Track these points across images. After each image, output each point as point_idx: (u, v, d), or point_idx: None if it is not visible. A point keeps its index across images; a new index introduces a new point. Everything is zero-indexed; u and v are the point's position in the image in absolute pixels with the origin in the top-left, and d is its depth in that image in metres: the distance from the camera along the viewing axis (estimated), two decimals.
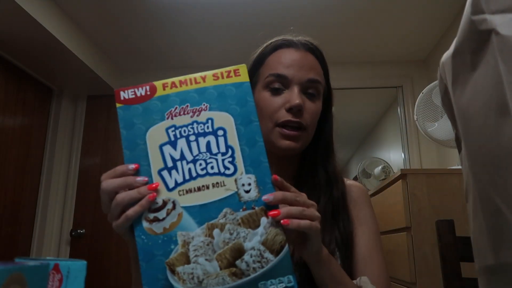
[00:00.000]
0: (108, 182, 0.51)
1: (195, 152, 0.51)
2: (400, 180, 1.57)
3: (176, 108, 0.52)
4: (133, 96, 0.58)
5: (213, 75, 0.53)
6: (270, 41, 0.82)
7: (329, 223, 0.73)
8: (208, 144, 0.51)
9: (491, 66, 0.33)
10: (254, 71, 0.79)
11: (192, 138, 0.51)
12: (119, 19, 2.48)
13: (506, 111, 0.31)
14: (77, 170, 3.03)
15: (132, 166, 0.51)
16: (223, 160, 0.50)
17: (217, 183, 0.50)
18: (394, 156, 3.29)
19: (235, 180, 0.50)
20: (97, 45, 2.78)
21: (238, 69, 0.52)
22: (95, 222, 2.91)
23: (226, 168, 0.50)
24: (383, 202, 1.83)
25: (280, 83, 0.74)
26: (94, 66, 2.74)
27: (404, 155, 2.88)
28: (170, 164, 0.51)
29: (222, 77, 0.52)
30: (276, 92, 0.74)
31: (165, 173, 0.51)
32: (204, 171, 0.50)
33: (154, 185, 0.50)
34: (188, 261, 0.47)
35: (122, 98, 0.59)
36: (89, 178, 3.00)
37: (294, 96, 0.72)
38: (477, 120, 0.37)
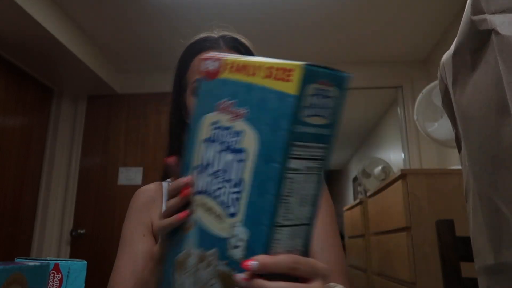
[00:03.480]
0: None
1: (216, 166, 0.42)
2: (400, 180, 1.57)
3: (225, 101, 0.42)
4: (206, 68, 0.47)
5: (266, 69, 0.38)
6: (191, 42, 0.80)
7: None
8: (228, 164, 0.40)
9: (491, 66, 0.33)
10: (181, 76, 0.79)
11: (222, 147, 0.42)
12: (119, 19, 2.48)
13: (506, 111, 0.31)
14: (77, 170, 3.03)
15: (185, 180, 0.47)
16: (230, 192, 0.40)
17: (219, 215, 0.40)
18: (394, 156, 3.29)
19: (231, 225, 0.39)
20: (97, 45, 2.78)
21: (292, 70, 0.35)
22: (95, 222, 2.91)
23: (230, 204, 0.40)
24: (383, 202, 1.83)
25: None
26: (94, 66, 2.74)
27: (404, 155, 2.88)
28: (203, 165, 0.44)
29: (272, 76, 0.37)
30: None
31: (196, 173, 0.45)
32: (217, 193, 0.41)
33: (185, 181, 0.46)
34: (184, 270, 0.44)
35: (201, 69, 0.49)
36: (89, 178, 3.01)
37: None
38: (477, 120, 0.37)
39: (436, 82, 1.60)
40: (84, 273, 0.48)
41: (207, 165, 0.43)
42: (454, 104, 0.44)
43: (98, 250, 2.83)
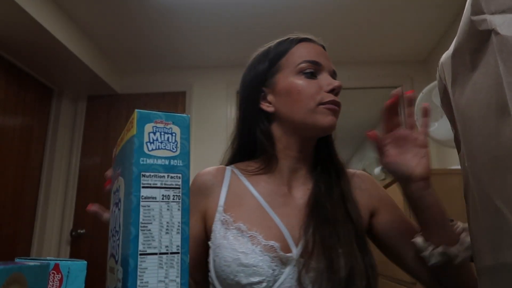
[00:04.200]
0: None
1: (112, 225, 0.45)
2: None
3: (116, 170, 0.46)
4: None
5: (126, 127, 0.43)
6: (285, 37, 0.84)
7: (342, 213, 0.74)
8: (115, 219, 0.43)
9: (491, 66, 0.33)
10: (273, 62, 0.81)
11: (113, 208, 0.45)
12: (119, 19, 2.48)
13: (506, 111, 0.31)
14: (77, 170, 3.03)
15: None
16: (115, 241, 0.41)
17: (113, 268, 0.42)
18: None
19: (116, 271, 0.40)
20: (97, 45, 2.78)
21: (133, 118, 0.41)
22: (95, 222, 2.91)
23: (115, 253, 0.41)
24: None
25: (314, 69, 0.77)
26: (94, 66, 2.74)
27: None
28: (111, 231, 0.46)
29: (127, 130, 0.43)
30: (311, 75, 0.77)
31: (109, 241, 0.47)
32: (114, 250, 0.42)
33: None
34: None
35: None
36: (89, 178, 3.01)
37: (331, 79, 0.77)
38: (476, 120, 0.37)
39: (436, 82, 1.60)
40: (84, 273, 0.48)
41: (111, 230, 0.45)
42: (453, 104, 0.44)
43: (98, 250, 2.83)
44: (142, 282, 0.36)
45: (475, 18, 0.35)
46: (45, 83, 2.85)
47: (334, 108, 0.75)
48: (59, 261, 0.47)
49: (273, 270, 0.66)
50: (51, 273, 0.46)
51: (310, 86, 0.75)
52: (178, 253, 0.38)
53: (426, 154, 0.67)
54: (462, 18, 0.38)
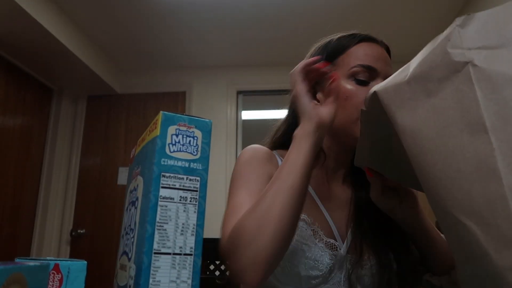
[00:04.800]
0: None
1: (128, 224, 0.45)
2: None
3: (135, 169, 0.47)
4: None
5: (149, 127, 0.44)
6: (347, 33, 0.79)
7: (383, 212, 0.72)
8: (131, 217, 0.44)
9: (464, 93, 0.38)
10: (330, 59, 0.76)
11: (129, 206, 0.46)
12: (119, 19, 2.48)
13: (481, 131, 0.36)
14: (77, 170, 3.03)
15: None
16: (130, 239, 0.42)
17: (125, 266, 0.42)
18: None
19: (128, 269, 0.40)
20: (97, 45, 2.78)
21: (157, 119, 0.41)
22: (95, 222, 2.91)
23: (129, 251, 0.42)
24: None
25: (368, 75, 0.72)
26: (94, 66, 2.74)
27: None
28: (124, 229, 0.47)
29: (150, 130, 0.43)
30: (362, 83, 0.72)
31: (121, 239, 0.48)
32: (127, 248, 0.43)
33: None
34: None
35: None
36: (89, 178, 3.01)
37: None
38: (434, 139, 0.41)
39: None
40: (84, 273, 0.48)
41: (125, 228, 0.46)
42: (395, 124, 0.46)
43: (98, 250, 2.83)
44: (154, 281, 0.36)
45: (452, 50, 0.39)
46: (45, 83, 2.85)
47: None
48: (59, 261, 0.47)
49: (330, 266, 0.68)
50: (51, 273, 0.46)
51: (358, 94, 0.71)
52: (191, 254, 0.39)
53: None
54: (431, 50, 0.42)
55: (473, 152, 0.37)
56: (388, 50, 0.80)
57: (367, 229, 0.72)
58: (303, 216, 0.70)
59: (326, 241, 0.70)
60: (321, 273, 0.67)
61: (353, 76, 0.73)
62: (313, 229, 0.70)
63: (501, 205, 0.34)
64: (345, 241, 0.72)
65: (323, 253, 0.68)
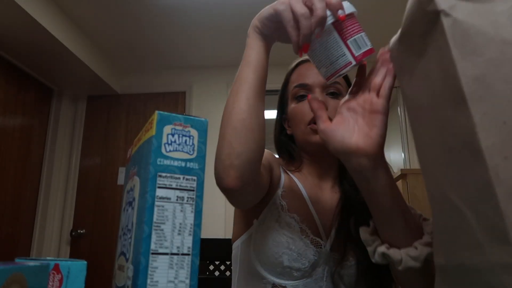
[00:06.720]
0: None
1: (124, 223, 0.45)
2: (400, 180, 1.57)
3: (131, 169, 0.47)
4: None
5: (145, 127, 0.44)
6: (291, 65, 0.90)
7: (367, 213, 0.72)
8: (128, 217, 0.44)
9: (443, 51, 0.29)
10: (283, 93, 0.89)
11: (126, 207, 0.45)
12: (119, 19, 2.48)
13: (461, 102, 0.28)
14: (77, 170, 3.03)
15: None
16: (127, 239, 0.42)
17: (123, 266, 0.42)
18: (394, 156, 3.29)
19: (126, 269, 0.40)
20: (97, 45, 2.78)
21: (153, 119, 0.41)
22: (95, 222, 2.91)
23: (126, 251, 0.41)
24: None
25: (304, 91, 0.82)
26: (94, 66, 2.75)
27: (404, 155, 2.87)
28: (122, 230, 0.46)
29: (146, 130, 0.43)
30: (301, 98, 0.82)
31: (118, 240, 0.47)
32: (125, 249, 0.43)
33: None
34: None
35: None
36: (89, 178, 3.01)
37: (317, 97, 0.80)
38: (427, 110, 0.33)
39: None
40: (84, 273, 0.48)
41: (123, 228, 0.46)
42: (402, 94, 0.40)
43: (98, 250, 2.84)
44: (152, 281, 0.36)
45: None
46: (45, 83, 2.85)
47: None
48: (59, 261, 0.47)
49: (314, 262, 0.72)
50: (51, 273, 0.46)
51: (300, 110, 0.81)
52: (189, 254, 0.39)
53: (380, 123, 0.53)
54: (410, 1, 0.34)
55: (458, 128, 0.30)
56: None
57: (351, 229, 0.75)
58: (293, 215, 0.76)
59: (312, 238, 0.74)
60: (303, 267, 0.71)
61: (294, 97, 0.83)
62: (301, 227, 0.75)
63: (488, 192, 0.28)
64: (329, 238, 0.76)
65: (307, 248, 0.73)
